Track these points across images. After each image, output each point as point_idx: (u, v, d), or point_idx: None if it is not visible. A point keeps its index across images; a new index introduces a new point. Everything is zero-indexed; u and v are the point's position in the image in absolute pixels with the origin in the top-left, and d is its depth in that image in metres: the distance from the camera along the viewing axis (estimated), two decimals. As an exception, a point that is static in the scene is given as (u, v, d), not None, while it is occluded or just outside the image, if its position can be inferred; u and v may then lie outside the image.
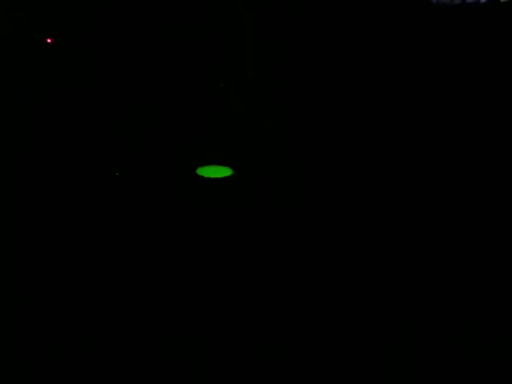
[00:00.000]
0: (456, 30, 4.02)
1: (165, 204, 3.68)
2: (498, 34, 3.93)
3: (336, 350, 2.83)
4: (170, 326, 2.93)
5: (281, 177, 3.79)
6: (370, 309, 3.07)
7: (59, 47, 3.78)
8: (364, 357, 2.79)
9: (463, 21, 3.99)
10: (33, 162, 3.66)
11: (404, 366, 2.75)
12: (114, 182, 3.74)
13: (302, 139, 3.92)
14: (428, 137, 4.00)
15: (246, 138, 3.87)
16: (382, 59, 4.00)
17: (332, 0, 3.99)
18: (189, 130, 3.89)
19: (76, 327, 2.89)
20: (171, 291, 3.16)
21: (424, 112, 4.04)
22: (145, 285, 3.19)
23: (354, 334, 2.91)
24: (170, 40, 3.89)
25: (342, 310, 3.06)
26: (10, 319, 2.91)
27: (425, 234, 3.58)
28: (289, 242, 3.49)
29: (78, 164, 3.74)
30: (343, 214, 3.69)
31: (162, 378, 2.67)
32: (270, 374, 2.70)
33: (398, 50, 4.02)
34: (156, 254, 3.37)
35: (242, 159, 3.85)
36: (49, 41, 3.75)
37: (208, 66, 3.92)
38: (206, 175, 3.80)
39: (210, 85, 3.92)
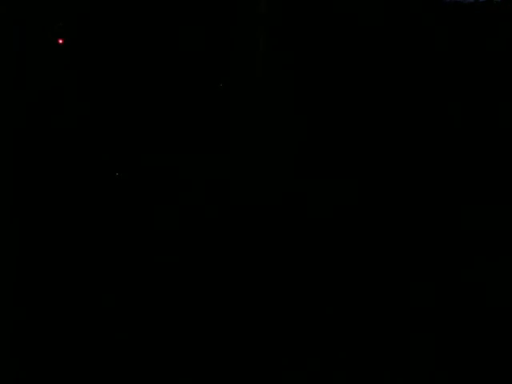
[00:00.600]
0: (469, 28, 3.97)
1: (169, 205, 3.67)
2: None
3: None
4: (168, 327, 2.93)
5: (288, 180, 3.78)
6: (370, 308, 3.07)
7: (66, 46, 3.78)
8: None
9: (476, 19, 3.95)
10: (32, 162, 3.66)
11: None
12: (116, 183, 3.73)
13: (313, 140, 3.89)
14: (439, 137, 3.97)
15: (254, 140, 3.85)
16: (394, 58, 3.96)
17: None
18: (196, 133, 3.87)
19: (75, 327, 2.89)
20: (172, 292, 3.16)
21: (431, 111, 4.00)
22: (146, 286, 3.18)
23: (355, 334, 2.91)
24: (176, 40, 3.87)
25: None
26: (10, 320, 2.91)
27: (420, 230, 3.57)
28: (292, 245, 3.48)
29: (81, 165, 3.74)
30: (349, 216, 3.68)
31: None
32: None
33: (410, 48, 3.97)
34: (158, 256, 3.37)
35: (249, 161, 3.82)
36: (60, 41, 3.74)
37: (218, 69, 3.91)
38: (209, 176, 3.77)
39: (218, 87, 3.91)
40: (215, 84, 3.91)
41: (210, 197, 3.73)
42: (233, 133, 3.88)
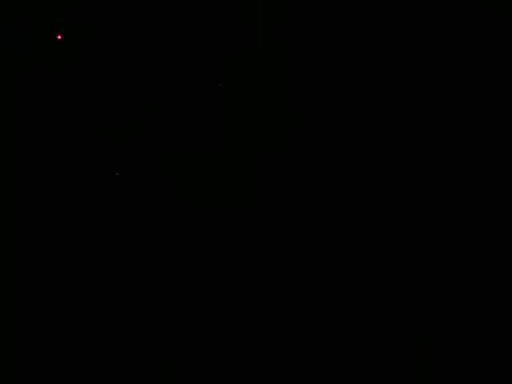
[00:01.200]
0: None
1: (166, 205, 3.67)
2: None
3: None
4: (168, 325, 2.93)
5: (289, 175, 3.77)
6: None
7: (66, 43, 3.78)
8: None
9: None
10: (32, 162, 3.66)
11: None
12: (115, 183, 3.74)
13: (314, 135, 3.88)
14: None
15: (254, 139, 3.85)
16: (394, 58, 3.94)
17: None
18: (193, 130, 3.88)
19: (74, 328, 2.89)
20: (170, 295, 3.16)
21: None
22: (144, 288, 3.18)
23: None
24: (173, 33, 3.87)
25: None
26: (10, 320, 2.91)
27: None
28: (290, 243, 3.48)
29: (80, 165, 3.74)
30: (349, 214, 3.68)
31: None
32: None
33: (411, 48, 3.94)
34: (156, 255, 3.37)
35: (247, 157, 3.83)
36: (59, 37, 3.73)
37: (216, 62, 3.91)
38: (207, 177, 3.77)
39: (218, 87, 3.91)
40: (215, 84, 3.91)
41: (209, 197, 3.74)
42: (233, 132, 3.89)
